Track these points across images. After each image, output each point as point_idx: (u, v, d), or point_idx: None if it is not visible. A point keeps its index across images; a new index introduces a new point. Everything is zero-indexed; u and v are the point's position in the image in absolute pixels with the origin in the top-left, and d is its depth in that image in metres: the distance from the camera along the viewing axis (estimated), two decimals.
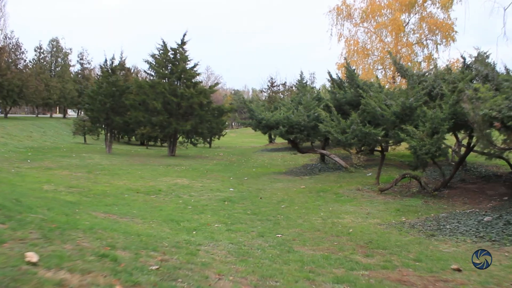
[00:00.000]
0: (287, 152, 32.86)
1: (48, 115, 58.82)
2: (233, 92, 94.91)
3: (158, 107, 26.23)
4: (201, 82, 29.02)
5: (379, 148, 14.85)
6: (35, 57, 54.89)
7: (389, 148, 18.47)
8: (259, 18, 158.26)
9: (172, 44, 28.91)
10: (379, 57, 27.96)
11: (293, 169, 22.12)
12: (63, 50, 59.19)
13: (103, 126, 28.71)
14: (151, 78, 29.29)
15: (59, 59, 58.81)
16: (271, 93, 50.19)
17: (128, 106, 27.34)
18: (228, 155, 31.35)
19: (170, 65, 28.65)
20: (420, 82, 14.11)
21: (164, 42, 28.66)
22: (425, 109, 12.53)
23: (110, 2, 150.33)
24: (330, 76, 22.67)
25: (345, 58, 21.61)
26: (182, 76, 27.83)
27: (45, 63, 56.06)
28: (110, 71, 27.85)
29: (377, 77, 22.04)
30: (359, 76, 22.13)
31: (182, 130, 26.92)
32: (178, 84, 28.42)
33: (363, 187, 15.35)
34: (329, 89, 21.89)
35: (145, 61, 28.41)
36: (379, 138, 13.30)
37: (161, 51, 28.72)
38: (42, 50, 55.55)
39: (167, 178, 17.02)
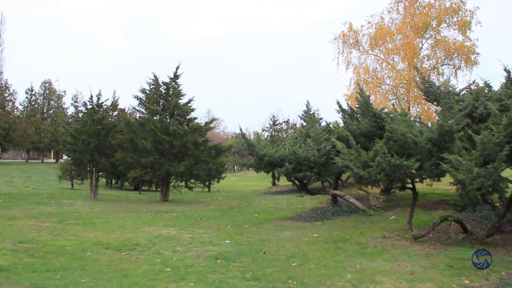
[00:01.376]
0: (292, 194, 30.12)
1: (39, 160, 56.41)
2: (234, 136, 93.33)
3: (148, 147, 23.76)
4: (196, 118, 26.70)
5: (410, 185, 12.15)
6: (26, 99, 53.13)
7: (424, 184, 15.77)
8: (259, 63, 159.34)
9: (164, 78, 26.76)
10: (391, 87, 25.74)
11: (301, 213, 19.34)
12: (57, 93, 57.64)
13: (88, 168, 26.05)
14: (142, 115, 26.86)
15: (52, 102, 57.15)
16: (273, 132, 47.85)
17: (115, 146, 24.85)
18: (227, 199, 28.58)
19: (162, 100, 26.44)
20: (457, 102, 11.62)
21: (155, 76, 26.64)
22: (471, 133, 9.97)
23: (108, 48, 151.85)
24: (340, 106, 20.32)
25: (357, 83, 19.34)
26: (175, 112, 25.55)
27: (36, 105, 54.28)
28: (95, 108, 25.55)
29: (393, 105, 19.67)
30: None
31: (175, 172, 24.29)
32: (171, 121, 26.07)
33: (389, 234, 12.65)
34: (341, 121, 19.45)
35: (135, 97, 26.25)
36: (413, 171, 10.64)
37: (152, 86, 26.59)
38: (33, 92, 53.93)
39: (151, 228, 14.28)
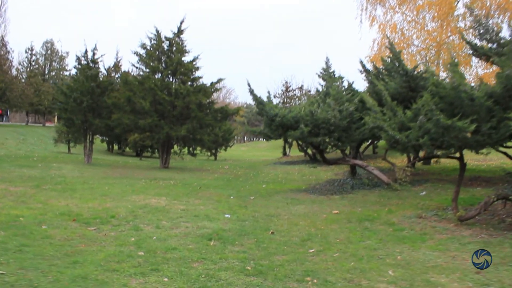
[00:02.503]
0: (304, 165, 27.91)
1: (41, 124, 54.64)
2: (245, 105, 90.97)
3: (146, 107, 21.53)
4: (201, 77, 24.24)
5: (457, 154, 9.80)
6: (26, 59, 50.91)
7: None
8: (273, 36, 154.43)
9: (167, 34, 24.24)
10: (420, 48, 23.00)
11: (316, 185, 17.15)
12: (59, 54, 55.31)
13: (81, 131, 23.97)
14: (142, 73, 24.48)
15: (54, 63, 54.90)
16: (285, 99, 45.20)
17: (111, 106, 22.67)
18: (234, 168, 26.44)
19: (165, 57, 24.01)
20: None
21: (157, 31, 24.13)
22: None
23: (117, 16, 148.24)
24: (363, 66, 17.81)
25: (387, 37, 16.71)
26: (178, 70, 23.12)
27: (37, 66, 52.05)
28: (90, 64, 23.27)
29: (427, 65, 17.13)
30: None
31: (177, 136, 22.08)
32: (173, 80, 23.70)
33: (424, 212, 10.50)
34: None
35: (134, 53, 23.82)
36: (467, 135, 8.28)
37: (153, 41, 24.13)
38: (33, 52, 51.58)
39: (139, 196, 12.23)
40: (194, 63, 24.34)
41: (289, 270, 5.58)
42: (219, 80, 23.67)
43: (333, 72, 16.96)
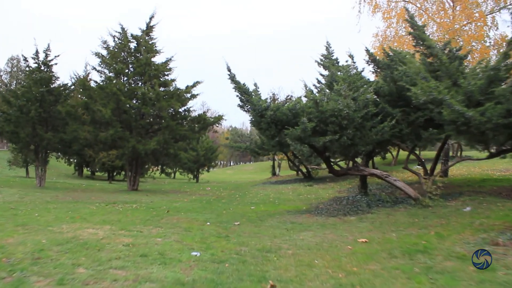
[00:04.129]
0: (298, 183, 24.36)
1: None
2: (230, 129, 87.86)
3: (107, 115, 17.86)
4: (174, 80, 20.63)
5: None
6: None
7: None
8: (258, 61, 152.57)
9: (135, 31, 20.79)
10: (435, 37, 19.88)
11: (319, 205, 13.61)
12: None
13: (30, 147, 20.11)
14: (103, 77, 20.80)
15: (22, 81, 50.81)
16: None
17: (66, 117, 18.93)
18: (217, 190, 22.71)
19: (132, 58, 20.47)
20: None
21: (122, 28, 20.69)
22: None
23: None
24: (370, 55, 14.47)
25: (406, 9, 13.39)
26: (146, 71, 19.54)
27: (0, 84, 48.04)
28: (41, 66, 19.61)
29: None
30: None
31: (145, 151, 18.31)
32: (141, 84, 20.10)
33: (496, 236, 7.02)
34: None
35: (95, 54, 20.22)
36: None
37: (118, 41, 20.63)
38: None
39: (73, 225, 8.56)
40: (167, 65, 20.86)
41: None
42: (195, 84, 20.13)
43: (336, 59, 13.55)
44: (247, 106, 10.36)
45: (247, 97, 10.21)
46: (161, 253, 6.00)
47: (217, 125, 20.84)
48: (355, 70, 13.03)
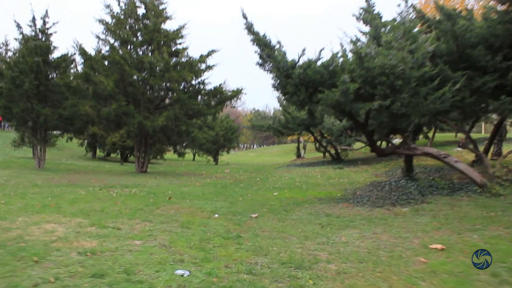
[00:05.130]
0: (326, 166, 21.92)
1: None
2: (253, 111, 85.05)
3: (109, 88, 15.74)
4: (187, 49, 18.28)
5: None
6: None
7: None
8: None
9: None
10: None
11: (356, 191, 11.31)
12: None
13: (27, 124, 18.23)
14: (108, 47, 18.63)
15: None
16: None
17: (65, 90, 16.94)
18: (236, 172, 20.45)
19: (139, 25, 18.26)
20: None
21: None
22: None
23: None
24: (417, 11, 11.87)
25: None
26: (154, 39, 17.30)
27: None
28: (38, 34, 17.61)
29: None
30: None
31: (153, 128, 16.15)
32: (149, 54, 17.87)
33: None
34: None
35: (98, 21, 18.05)
36: None
37: (124, 5, 18.41)
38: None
39: (36, 217, 6.53)
40: (179, 33, 18.56)
41: None
42: (210, 52, 17.76)
43: (379, 14, 11.00)
44: (268, 64, 8.00)
45: (268, 52, 7.84)
46: (128, 271, 3.79)
47: (236, 99, 18.53)
48: (411, 15, 10.57)
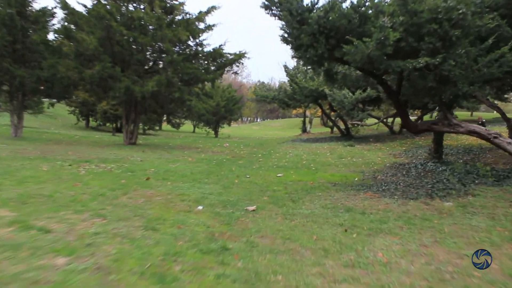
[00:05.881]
0: (335, 142, 20.06)
1: None
2: (258, 83, 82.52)
3: (91, 46, 13.74)
4: (184, 3, 16.10)
5: None
6: None
7: None
8: None
9: None
10: None
11: (376, 174, 9.54)
12: None
13: (2, 87, 16.32)
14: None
15: None
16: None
17: (43, 48, 14.95)
18: (236, 147, 18.59)
19: None
20: None
21: None
22: None
23: None
24: None
25: None
26: None
27: None
28: None
29: None
30: None
31: (142, 94, 14.20)
32: (140, 8, 15.77)
33: None
34: None
35: None
36: None
37: None
38: None
39: None
40: None
41: None
42: (210, 9, 15.62)
43: None
44: (278, 6, 6.01)
45: None
46: None
47: (238, 64, 16.49)
48: None
